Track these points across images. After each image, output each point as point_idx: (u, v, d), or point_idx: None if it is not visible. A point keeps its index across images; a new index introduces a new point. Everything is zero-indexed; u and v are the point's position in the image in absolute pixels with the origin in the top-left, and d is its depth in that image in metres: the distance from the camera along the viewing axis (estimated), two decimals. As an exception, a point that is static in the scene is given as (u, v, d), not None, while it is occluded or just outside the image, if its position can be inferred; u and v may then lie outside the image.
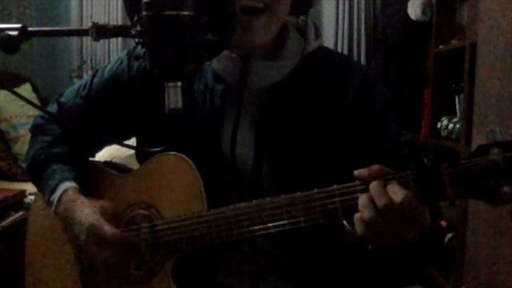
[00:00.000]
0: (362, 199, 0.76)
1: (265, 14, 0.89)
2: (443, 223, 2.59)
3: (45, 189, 1.03)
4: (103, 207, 0.97)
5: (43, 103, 2.81)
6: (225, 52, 0.93)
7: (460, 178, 0.74)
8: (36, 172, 1.06)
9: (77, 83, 1.12)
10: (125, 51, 1.07)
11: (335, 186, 0.80)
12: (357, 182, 0.78)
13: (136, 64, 1.02)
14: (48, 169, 1.04)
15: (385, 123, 0.99)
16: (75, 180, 1.02)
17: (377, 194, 0.74)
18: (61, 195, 0.99)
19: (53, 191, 1.00)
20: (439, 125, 2.77)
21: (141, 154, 1.04)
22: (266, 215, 0.84)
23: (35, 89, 2.98)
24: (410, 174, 0.76)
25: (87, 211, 0.95)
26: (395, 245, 0.78)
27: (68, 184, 1.00)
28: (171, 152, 0.93)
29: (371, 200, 0.74)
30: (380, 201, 0.73)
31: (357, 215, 0.76)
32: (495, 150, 0.73)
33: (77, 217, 0.96)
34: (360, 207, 0.76)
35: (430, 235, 0.81)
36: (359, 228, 0.76)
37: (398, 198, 0.72)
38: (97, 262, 0.96)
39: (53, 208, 1.00)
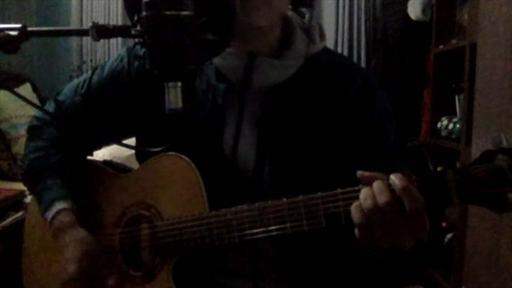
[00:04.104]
0: (364, 191, 0.75)
1: None
2: (443, 223, 2.60)
3: (40, 202, 1.01)
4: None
5: (43, 103, 2.80)
6: (230, 49, 0.93)
7: (465, 184, 0.73)
8: (32, 181, 1.04)
9: (76, 81, 1.09)
10: (125, 48, 1.05)
11: (338, 190, 0.79)
12: (360, 186, 0.78)
13: (136, 62, 1.01)
14: (44, 180, 1.01)
15: (383, 129, 0.99)
16: (71, 197, 0.99)
17: (379, 188, 0.74)
18: (55, 214, 0.96)
19: (47, 208, 0.98)
20: (439, 125, 2.77)
21: (141, 154, 1.03)
22: (268, 218, 0.84)
23: (35, 89, 2.97)
24: (414, 179, 0.75)
25: (78, 239, 0.93)
26: (390, 250, 0.78)
27: (63, 204, 0.97)
28: (171, 152, 0.93)
29: (373, 195, 0.74)
30: (382, 195, 0.73)
31: (356, 203, 0.76)
32: (501, 157, 0.72)
33: (69, 244, 0.94)
34: (362, 197, 0.75)
35: (427, 241, 0.80)
36: (356, 216, 0.75)
37: (399, 183, 0.73)
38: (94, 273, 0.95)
39: (47, 223, 0.98)
